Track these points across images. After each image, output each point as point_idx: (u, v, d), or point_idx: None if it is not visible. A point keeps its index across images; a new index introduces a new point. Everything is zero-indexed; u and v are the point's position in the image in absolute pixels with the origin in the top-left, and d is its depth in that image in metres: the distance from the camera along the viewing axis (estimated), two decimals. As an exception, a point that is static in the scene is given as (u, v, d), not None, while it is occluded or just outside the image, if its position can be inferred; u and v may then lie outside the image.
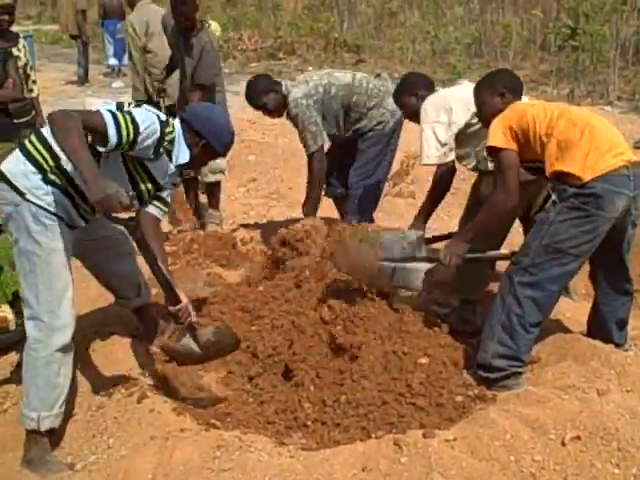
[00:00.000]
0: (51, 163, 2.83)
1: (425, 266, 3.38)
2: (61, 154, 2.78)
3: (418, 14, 16.38)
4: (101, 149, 2.81)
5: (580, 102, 10.85)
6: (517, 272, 3.11)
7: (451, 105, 3.67)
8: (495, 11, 15.33)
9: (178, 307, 3.18)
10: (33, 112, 5.21)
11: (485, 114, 3.36)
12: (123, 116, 2.80)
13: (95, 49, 16.32)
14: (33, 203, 2.79)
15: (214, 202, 5.62)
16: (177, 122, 3.08)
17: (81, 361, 3.31)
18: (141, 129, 2.83)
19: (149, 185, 3.06)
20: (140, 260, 3.31)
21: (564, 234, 3.01)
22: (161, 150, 2.97)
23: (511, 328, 3.11)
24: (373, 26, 16.95)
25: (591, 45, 11.49)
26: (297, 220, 4.36)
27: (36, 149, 2.84)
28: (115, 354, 3.41)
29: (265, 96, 4.64)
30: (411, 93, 3.96)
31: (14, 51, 4.97)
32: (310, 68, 15.41)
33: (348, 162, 4.83)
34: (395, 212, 6.02)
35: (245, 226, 5.51)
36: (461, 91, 3.80)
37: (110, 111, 2.80)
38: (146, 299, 3.51)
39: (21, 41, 5.13)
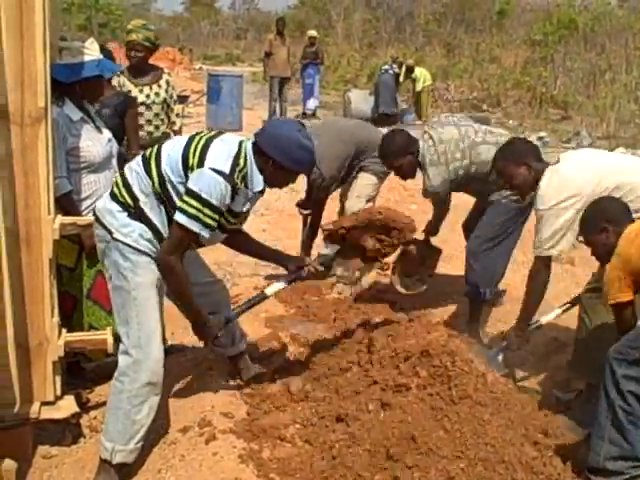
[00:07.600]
0: (131, 203, 2.84)
1: None
2: (139, 195, 2.82)
3: (637, 71, 15.34)
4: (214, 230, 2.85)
5: None
6: (620, 364, 2.70)
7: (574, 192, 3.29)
8: None
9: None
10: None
11: (598, 254, 3.03)
12: (192, 206, 2.70)
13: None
14: (120, 241, 2.81)
15: None
16: (249, 145, 2.87)
17: (167, 395, 3.27)
18: (215, 202, 2.72)
19: (229, 217, 2.93)
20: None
21: None
22: (237, 190, 2.84)
23: (621, 425, 2.69)
24: (585, 83, 16.16)
25: None
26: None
27: (119, 189, 2.88)
28: (202, 392, 3.36)
29: (402, 158, 4.18)
30: (520, 162, 3.49)
31: (154, 87, 4.83)
32: (511, 122, 15.02)
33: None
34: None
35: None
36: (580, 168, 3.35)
37: (183, 213, 2.71)
38: (241, 348, 3.42)
39: (164, 76, 4.92)
